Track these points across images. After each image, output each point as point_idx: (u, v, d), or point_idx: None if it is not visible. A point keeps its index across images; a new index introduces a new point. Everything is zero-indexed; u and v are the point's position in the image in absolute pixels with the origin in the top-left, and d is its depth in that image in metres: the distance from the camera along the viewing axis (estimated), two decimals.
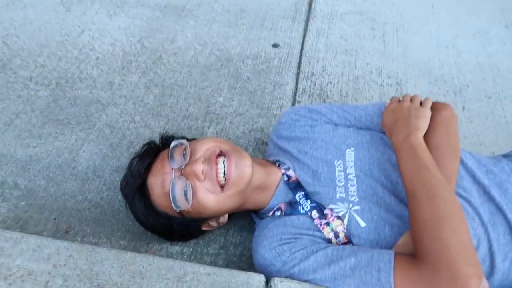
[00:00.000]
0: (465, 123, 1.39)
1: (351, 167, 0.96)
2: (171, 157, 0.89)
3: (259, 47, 1.61)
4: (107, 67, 1.52)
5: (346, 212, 0.88)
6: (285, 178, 0.96)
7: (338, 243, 0.86)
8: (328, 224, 0.87)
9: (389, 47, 1.63)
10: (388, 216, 0.88)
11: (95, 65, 1.53)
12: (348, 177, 0.94)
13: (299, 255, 0.82)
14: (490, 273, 0.85)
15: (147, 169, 0.92)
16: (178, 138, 0.97)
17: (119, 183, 0.99)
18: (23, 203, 1.11)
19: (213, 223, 0.98)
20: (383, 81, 1.50)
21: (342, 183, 0.93)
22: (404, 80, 1.51)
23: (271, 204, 0.95)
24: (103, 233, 1.06)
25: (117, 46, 1.61)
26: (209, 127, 1.33)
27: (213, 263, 1.01)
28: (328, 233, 0.87)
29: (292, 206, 0.92)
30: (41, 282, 0.78)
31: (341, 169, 0.96)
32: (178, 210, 0.88)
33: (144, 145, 0.99)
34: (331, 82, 1.49)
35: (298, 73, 1.52)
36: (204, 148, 0.90)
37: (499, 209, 0.88)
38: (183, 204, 0.87)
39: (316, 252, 0.82)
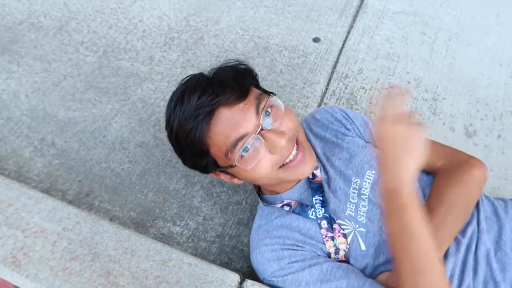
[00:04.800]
0: (496, 154, 1.31)
1: (366, 188, 0.93)
2: (267, 113, 0.82)
3: (299, 40, 1.59)
4: (151, 41, 1.60)
5: (351, 231, 0.88)
6: (310, 176, 0.93)
7: (336, 259, 0.88)
8: (332, 238, 0.88)
9: (435, 57, 1.54)
10: (387, 246, 0.87)
11: (141, 38, 1.61)
12: (361, 197, 0.92)
13: (297, 266, 0.84)
14: None
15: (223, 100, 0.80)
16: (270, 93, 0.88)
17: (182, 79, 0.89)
18: (56, 161, 1.26)
19: (234, 179, 0.92)
20: (418, 94, 1.44)
21: (355, 201, 0.91)
22: (442, 96, 1.44)
23: (285, 195, 0.93)
24: (117, 201, 1.18)
25: (164, 21, 1.68)
26: None
27: (207, 249, 1.10)
28: (330, 247, 0.87)
29: (303, 208, 0.91)
30: (50, 241, 0.91)
31: (356, 187, 0.93)
32: (234, 164, 0.82)
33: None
34: (363, 87, 1.46)
35: (332, 73, 1.50)
36: (290, 126, 0.84)
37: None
38: (243, 163, 0.81)
39: (313, 266, 0.83)
